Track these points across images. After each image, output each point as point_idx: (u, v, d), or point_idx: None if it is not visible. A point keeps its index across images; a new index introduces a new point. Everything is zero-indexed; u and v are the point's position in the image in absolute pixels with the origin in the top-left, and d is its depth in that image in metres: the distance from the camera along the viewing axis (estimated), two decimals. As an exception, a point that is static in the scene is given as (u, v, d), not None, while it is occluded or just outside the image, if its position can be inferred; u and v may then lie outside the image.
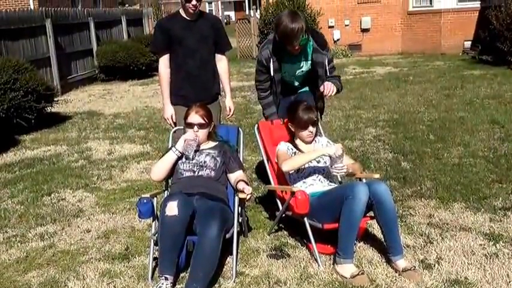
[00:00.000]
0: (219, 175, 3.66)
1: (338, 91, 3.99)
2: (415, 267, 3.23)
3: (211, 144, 3.74)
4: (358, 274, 3.14)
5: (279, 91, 4.11)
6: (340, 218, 3.25)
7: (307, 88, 4.27)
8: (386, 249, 3.33)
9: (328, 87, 3.86)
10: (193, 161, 3.63)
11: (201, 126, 3.63)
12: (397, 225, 3.35)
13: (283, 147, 3.77)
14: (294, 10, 3.88)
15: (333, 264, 3.31)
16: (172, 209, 3.11)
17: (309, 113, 3.72)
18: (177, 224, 3.10)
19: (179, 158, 3.64)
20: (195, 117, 3.63)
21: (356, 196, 3.21)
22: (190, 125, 3.64)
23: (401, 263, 3.23)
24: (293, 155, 3.72)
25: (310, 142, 3.82)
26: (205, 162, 3.64)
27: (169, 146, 4.03)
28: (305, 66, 3.98)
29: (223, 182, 3.69)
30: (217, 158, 3.67)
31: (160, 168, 3.65)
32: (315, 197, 3.49)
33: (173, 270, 3.12)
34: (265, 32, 15.49)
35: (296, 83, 4.16)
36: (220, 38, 4.27)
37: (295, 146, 3.78)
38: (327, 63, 3.94)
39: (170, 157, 3.63)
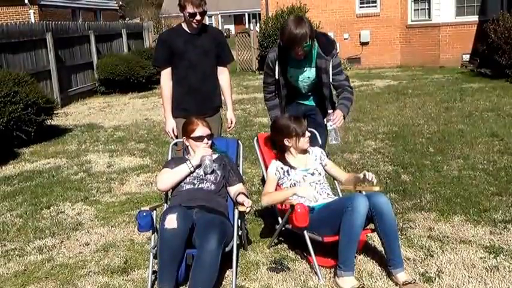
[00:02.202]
0: (219, 188, 3.66)
1: (348, 111, 3.94)
2: (415, 280, 3.21)
3: (212, 157, 3.75)
4: (358, 287, 3.12)
5: (284, 94, 4.13)
6: (340, 230, 3.24)
7: (313, 103, 4.22)
8: (387, 262, 3.31)
9: (337, 117, 3.76)
10: (194, 174, 3.63)
11: (209, 137, 3.68)
12: (398, 238, 3.34)
13: (272, 170, 3.75)
14: (300, 16, 3.90)
15: (334, 277, 3.30)
16: (171, 221, 3.10)
17: (301, 121, 3.75)
18: (176, 237, 3.09)
19: (190, 173, 3.63)
20: (203, 129, 3.67)
21: (355, 208, 3.20)
22: (200, 138, 3.65)
23: (401, 276, 3.22)
24: (285, 173, 3.70)
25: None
26: (205, 175, 3.64)
27: (169, 158, 4.04)
28: (309, 72, 3.98)
29: (223, 195, 3.69)
30: (218, 172, 3.68)
31: (170, 179, 3.63)
32: (315, 210, 3.48)
33: (172, 283, 3.10)
34: (265, 45, 15.58)
35: (304, 90, 4.14)
36: (222, 51, 4.28)
37: (287, 163, 3.74)
38: (330, 69, 3.91)
39: (184, 171, 3.62)
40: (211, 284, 3.06)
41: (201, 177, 3.62)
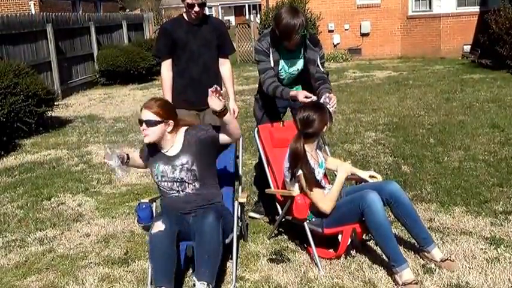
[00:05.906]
0: (204, 178, 3.32)
1: None
2: (450, 256, 3.30)
3: (177, 149, 3.33)
4: (410, 283, 3.06)
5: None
6: (371, 233, 3.25)
7: (299, 87, 4.10)
8: (418, 244, 3.36)
9: (333, 100, 3.66)
10: (170, 178, 3.30)
11: (148, 123, 3.22)
12: (419, 216, 3.45)
13: (312, 167, 3.42)
14: (293, 6, 3.89)
15: (392, 275, 3.18)
16: (158, 227, 3.03)
17: (316, 108, 3.50)
18: (163, 237, 3.01)
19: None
20: (145, 113, 3.24)
21: (372, 207, 3.17)
22: (140, 122, 3.31)
23: (437, 252, 3.29)
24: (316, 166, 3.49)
25: None
26: (182, 178, 3.28)
27: None
28: (298, 63, 3.98)
29: (210, 180, 3.38)
30: (193, 166, 3.27)
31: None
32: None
33: (169, 278, 2.99)
34: (265, 36, 15.51)
35: (288, 81, 4.06)
36: (223, 42, 4.26)
37: (311, 159, 3.50)
38: (319, 60, 3.95)
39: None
40: (217, 254, 3.00)
41: (178, 180, 3.28)
